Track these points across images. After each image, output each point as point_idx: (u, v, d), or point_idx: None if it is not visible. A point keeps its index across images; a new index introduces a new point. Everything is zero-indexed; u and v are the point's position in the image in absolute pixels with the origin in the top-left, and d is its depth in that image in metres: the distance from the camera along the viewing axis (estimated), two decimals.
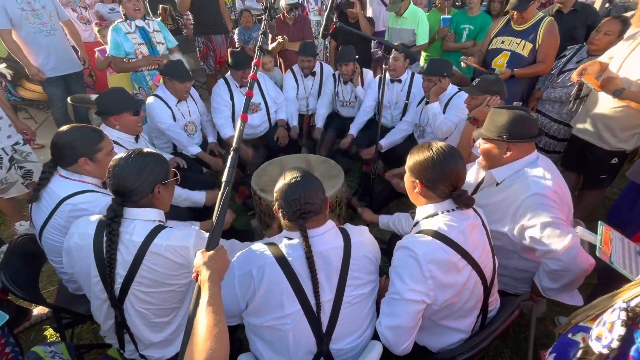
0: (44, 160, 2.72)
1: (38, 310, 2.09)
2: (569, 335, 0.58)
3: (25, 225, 2.67)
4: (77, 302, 1.66)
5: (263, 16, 1.36)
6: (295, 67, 3.32)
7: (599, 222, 1.26)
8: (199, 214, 2.21)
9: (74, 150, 1.46)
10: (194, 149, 2.68)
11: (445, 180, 1.16)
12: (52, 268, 2.35)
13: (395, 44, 2.57)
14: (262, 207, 2.26)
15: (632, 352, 0.50)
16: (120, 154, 1.21)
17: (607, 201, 2.82)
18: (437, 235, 1.12)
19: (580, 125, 2.31)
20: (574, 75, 2.19)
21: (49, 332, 2.02)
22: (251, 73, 1.21)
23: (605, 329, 0.53)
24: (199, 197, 2.05)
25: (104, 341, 1.91)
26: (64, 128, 1.50)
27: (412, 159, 1.23)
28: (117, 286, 1.16)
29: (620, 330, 0.50)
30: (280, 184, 1.15)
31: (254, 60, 1.25)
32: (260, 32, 1.34)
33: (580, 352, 0.56)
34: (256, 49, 1.29)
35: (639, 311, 0.50)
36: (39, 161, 2.59)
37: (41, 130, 3.99)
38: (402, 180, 2.20)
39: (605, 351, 0.52)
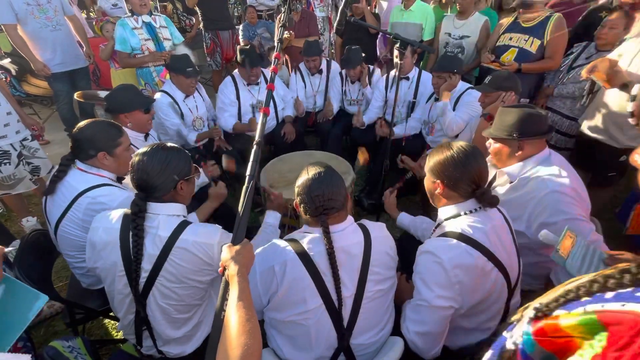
0: (50, 156, 2.72)
1: (48, 305, 2.09)
2: (504, 333, 0.59)
3: (32, 221, 2.66)
4: (89, 297, 1.66)
5: (282, 8, 1.34)
6: (302, 66, 3.30)
7: (566, 227, 1.25)
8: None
9: (94, 145, 1.47)
10: (192, 135, 2.68)
11: (467, 179, 1.14)
12: (60, 264, 2.37)
13: None
14: None
15: (515, 347, 0.52)
16: (142, 148, 1.20)
17: (615, 199, 2.82)
18: (462, 237, 1.10)
19: (588, 123, 2.31)
20: (584, 73, 2.18)
21: (60, 328, 2.02)
22: (272, 66, 1.20)
23: (518, 326, 0.54)
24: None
25: (115, 337, 1.94)
26: (84, 122, 1.51)
27: (432, 159, 1.21)
28: (142, 280, 1.16)
29: (525, 327, 0.51)
30: (303, 179, 1.13)
31: (274, 53, 1.24)
32: (279, 25, 1.34)
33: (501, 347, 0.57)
34: (276, 41, 1.29)
35: (553, 307, 0.50)
36: (47, 157, 2.59)
37: (46, 126, 3.97)
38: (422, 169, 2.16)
39: (512, 347, 0.53)
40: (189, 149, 2.70)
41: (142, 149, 1.19)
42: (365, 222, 1.24)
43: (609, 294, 0.46)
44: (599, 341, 0.41)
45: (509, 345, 0.53)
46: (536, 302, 0.54)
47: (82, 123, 1.51)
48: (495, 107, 1.94)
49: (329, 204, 1.09)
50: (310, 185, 1.10)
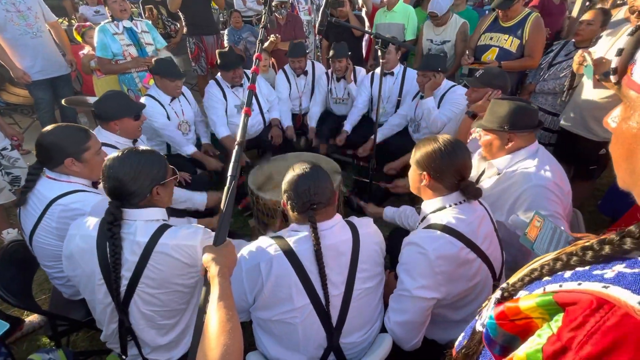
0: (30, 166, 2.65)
1: (30, 319, 2.02)
2: (477, 316, 0.59)
3: (13, 233, 2.56)
4: (72, 308, 1.61)
5: (262, 10, 1.34)
6: (287, 67, 3.30)
7: (534, 211, 1.26)
8: (196, 211, 2.17)
9: (59, 151, 1.40)
10: (189, 149, 2.64)
11: (453, 170, 1.16)
12: (43, 276, 2.30)
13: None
14: (260, 207, 2.23)
15: (483, 330, 0.52)
16: (113, 153, 1.14)
17: (597, 192, 2.88)
18: (446, 229, 1.12)
19: (568, 118, 2.36)
20: (578, 54, 2.18)
21: (43, 342, 1.95)
22: (253, 67, 1.20)
23: (486, 308, 0.54)
24: (200, 198, 1.99)
25: (100, 348, 1.88)
26: (48, 128, 1.44)
27: (419, 151, 1.23)
28: (123, 288, 1.12)
29: (491, 309, 0.51)
30: (290, 175, 1.13)
31: (256, 54, 1.24)
32: (260, 26, 1.34)
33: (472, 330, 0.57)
34: (257, 42, 1.29)
35: (518, 286, 0.50)
36: (27, 167, 2.52)
37: (26, 136, 3.86)
38: (399, 185, 2.21)
39: (481, 328, 0.53)
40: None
41: (113, 154, 1.13)
42: (353, 219, 1.23)
43: (568, 273, 0.45)
44: (556, 321, 0.41)
45: (478, 327, 0.54)
46: (504, 283, 0.54)
47: (45, 129, 1.43)
48: (480, 107, 1.96)
49: (316, 198, 1.09)
50: (296, 180, 1.10)
